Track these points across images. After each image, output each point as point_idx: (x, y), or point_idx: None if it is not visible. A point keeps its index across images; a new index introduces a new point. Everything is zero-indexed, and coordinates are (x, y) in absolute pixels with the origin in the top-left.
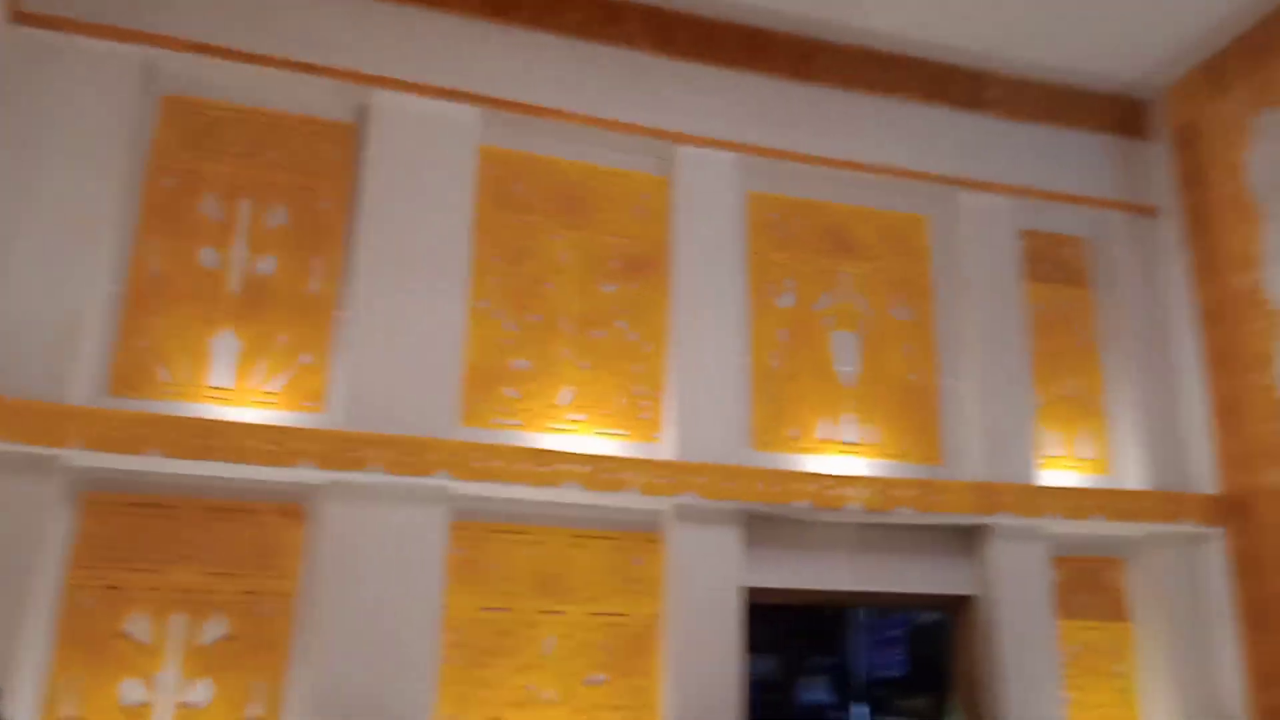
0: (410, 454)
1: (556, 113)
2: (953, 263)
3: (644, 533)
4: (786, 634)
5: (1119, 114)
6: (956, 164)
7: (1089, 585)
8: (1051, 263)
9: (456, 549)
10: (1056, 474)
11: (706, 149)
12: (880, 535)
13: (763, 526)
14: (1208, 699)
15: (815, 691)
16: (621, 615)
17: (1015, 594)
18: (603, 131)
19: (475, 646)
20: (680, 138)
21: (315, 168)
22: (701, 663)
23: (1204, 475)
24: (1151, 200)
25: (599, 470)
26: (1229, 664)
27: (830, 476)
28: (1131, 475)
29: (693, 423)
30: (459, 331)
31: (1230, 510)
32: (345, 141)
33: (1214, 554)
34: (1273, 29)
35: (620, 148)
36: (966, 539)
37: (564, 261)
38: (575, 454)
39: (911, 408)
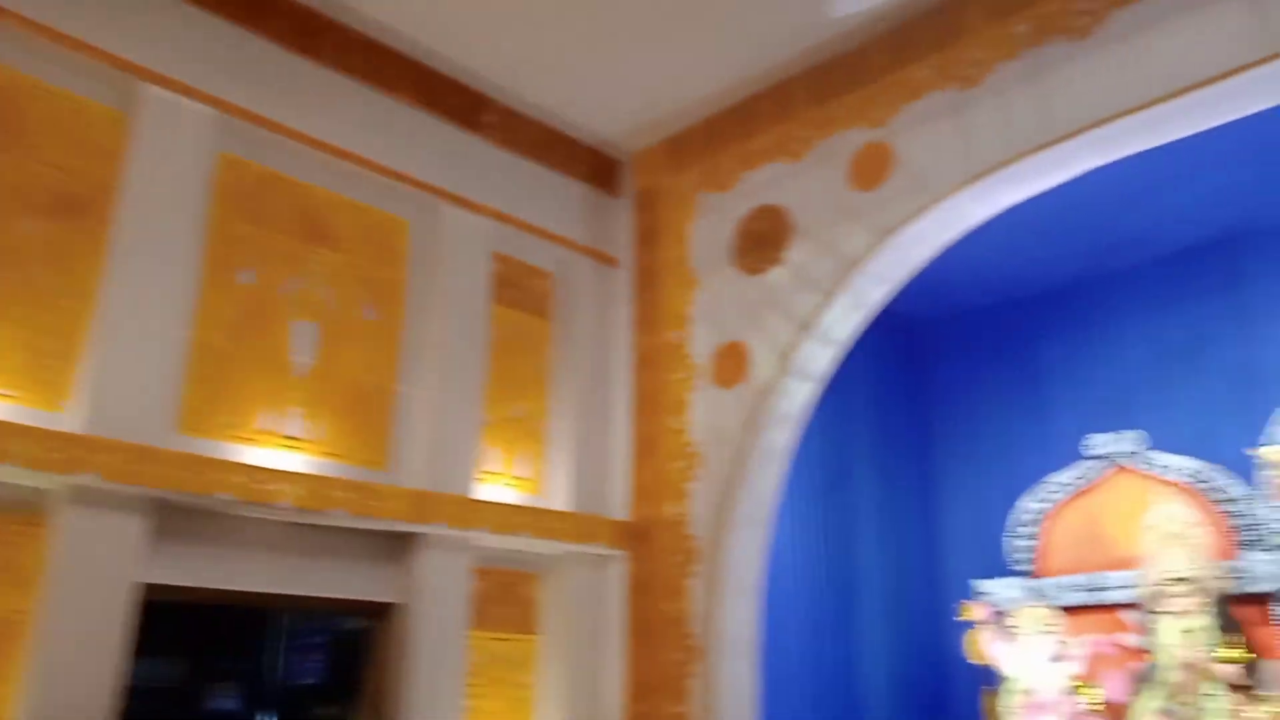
0: None
1: None
2: (428, 272)
3: (22, 514)
4: (199, 636)
5: (596, 166)
6: (444, 176)
7: (505, 598)
8: (519, 289)
9: None
10: (492, 489)
11: (177, 95)
12: (311, 536)
13: (177, 517)
14: (592, 707)
15: (224, 699)
16: None
17: (436, 604)
18: (48, 43)
19: None
20: (146, 74)
21: None
22: (76, 667)
23: (618, 503)
24: (612, 250)
25: None
26: (613, 676)
27: (263, 469)
28: (559, 497)
29: (109, 393)
30: None
31: (633, 536)
32: None
33: (616, 575)
34: (717, 126)
35: (70, 68)
36: (399, 546)
37: None
38: None
39: (363, 409)
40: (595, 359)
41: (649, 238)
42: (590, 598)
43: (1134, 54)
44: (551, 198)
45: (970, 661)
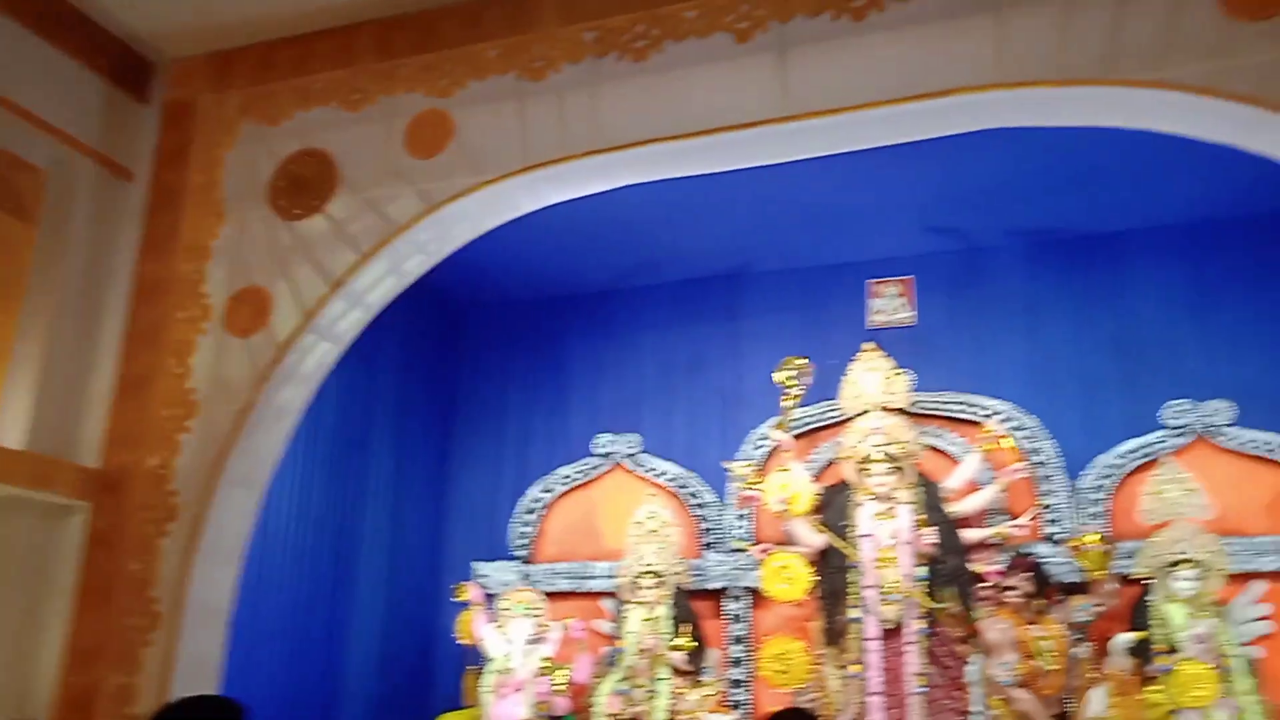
0: None
1: None
2: None
3: None
4: None
5: (121, 63)
6: None
7: None
8: None
9: None
10: None
11: None
12: None
13: None
14: (18, 679)
15: None
16: None
17: None
18: None
19: None
20: None
21: None
22: None
23: (90, 447)
24: (128, 162)
25: None
26: (53, 642)
27: None
28: (12, 433)
29: None
30: None
31: (103, 486)
32: None
33: (75, 528)
34: (274, 53)
35: None
36: None
37: None
38: None
39: None
40: (88, 280)
41: (175, 156)
42: (36, 552)
43: (678, 87)
44: (57, 85)
45: (460, 642)
